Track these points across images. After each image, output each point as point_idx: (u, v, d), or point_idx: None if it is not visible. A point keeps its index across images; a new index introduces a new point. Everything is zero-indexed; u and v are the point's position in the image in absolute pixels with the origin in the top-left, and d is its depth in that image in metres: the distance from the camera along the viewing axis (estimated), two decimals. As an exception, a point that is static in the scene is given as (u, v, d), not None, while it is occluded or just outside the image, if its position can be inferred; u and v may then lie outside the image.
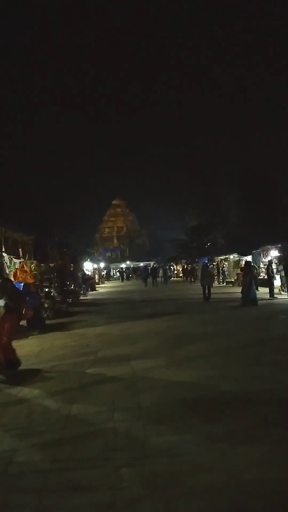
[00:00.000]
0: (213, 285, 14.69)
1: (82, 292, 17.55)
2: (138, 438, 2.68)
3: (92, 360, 5.14)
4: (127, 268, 47.88)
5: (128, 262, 57.00)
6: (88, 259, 23.91)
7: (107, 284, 30.99)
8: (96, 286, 23.68)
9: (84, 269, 20.44)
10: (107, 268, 44.49)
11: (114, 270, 49.86)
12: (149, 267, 31.61)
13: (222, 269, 19.66)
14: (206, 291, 11.44)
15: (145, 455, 2.43)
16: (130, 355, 5.28)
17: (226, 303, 10.57)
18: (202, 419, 2.91)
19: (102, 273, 35.15)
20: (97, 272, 29.18)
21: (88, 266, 22.45)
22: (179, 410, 3.17)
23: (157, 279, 23.30)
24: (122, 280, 34.39)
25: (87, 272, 19.36)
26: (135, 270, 37.30)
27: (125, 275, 38.77)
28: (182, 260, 31.85)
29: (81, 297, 15.76)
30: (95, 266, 28.51)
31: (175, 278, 29.47)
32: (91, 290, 19.68)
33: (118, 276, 38.79)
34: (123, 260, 61.83)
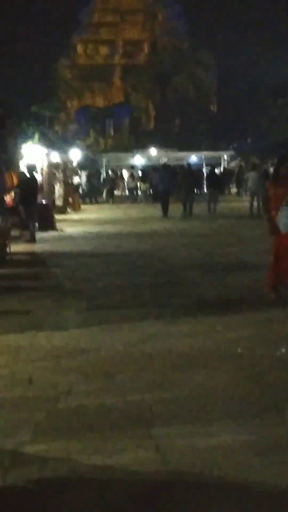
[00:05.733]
0: None
1: (23, 234, 18.52)
2: None
3: (41, 418, 5.36)
4: (145, 167, 48.20)
5: (153, 151, 56.31)
6: (36, 137, 23.90)
7: (88, 212, 31.35)
8: (59, 216, 24.42)
9: (23, 165, 20.97)
10: (90, 163, 45.30)
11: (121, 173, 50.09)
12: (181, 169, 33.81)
13: None
14: None
15: None
16: (154, 413, 5.45)
17: None
18: None
19: (75, 179, 35.47)
20: (59, 175, 29.47)
21: (35, 158, 22.77)
22: None
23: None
24: (109, 200, 39.40)
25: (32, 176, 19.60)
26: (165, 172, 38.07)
27: (139, 186, 40.63)
28: None
29: (15, 247, 16.20)
30: (57, 159, 29.17)
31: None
32: (45, 229, 20.69)
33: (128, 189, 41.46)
34: (138, 143, 60.99)
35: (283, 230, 9.88)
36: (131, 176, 42.32)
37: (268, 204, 10.50)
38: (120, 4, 74.16)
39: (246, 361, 6.84)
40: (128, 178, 42.73)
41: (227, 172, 48.12)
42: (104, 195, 40.92)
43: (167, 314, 9.10)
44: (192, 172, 30.67)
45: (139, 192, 41.60)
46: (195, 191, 29.07)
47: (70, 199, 30.96)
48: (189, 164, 35.40)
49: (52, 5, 64.00)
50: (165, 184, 27.42)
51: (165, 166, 32.57)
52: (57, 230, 21.50)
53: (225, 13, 69.13)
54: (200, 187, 36.91)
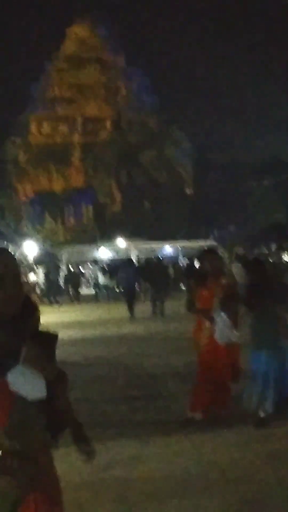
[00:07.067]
0: None
1: None
2: None
3: None
4: (112, 262, 48.62)
5: (121, 242, 56.65)
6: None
7: (48, 314, 31.24)
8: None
9: None
10: (48, 258, 45.56)
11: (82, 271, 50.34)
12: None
13: None
14: None
15: None
16: None
17: None
18: None
19: (31, 277, 35.64)
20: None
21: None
22: None
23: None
24: (74, 300, 39.96)
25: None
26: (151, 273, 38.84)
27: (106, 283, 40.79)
28: None
29: None
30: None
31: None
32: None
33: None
34: (104, 233, 61.01)
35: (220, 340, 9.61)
36: (103, 270, 42.48)
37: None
38: (78, 77, 75.18)
39: (234, 488, 6.81)
40: (99, 273, 42.71)
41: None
42: (70, 293, 41.10)
43: (144, 433, 9.06)
44: (162, 266, 31.30)
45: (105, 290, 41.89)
46: (167, 288, 29.51)
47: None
48: (158, 258, 36.04)
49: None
50: (129, 281, 28.60)
51: (128, 261, 33.56)
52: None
53: (198, 86, 70.44)
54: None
